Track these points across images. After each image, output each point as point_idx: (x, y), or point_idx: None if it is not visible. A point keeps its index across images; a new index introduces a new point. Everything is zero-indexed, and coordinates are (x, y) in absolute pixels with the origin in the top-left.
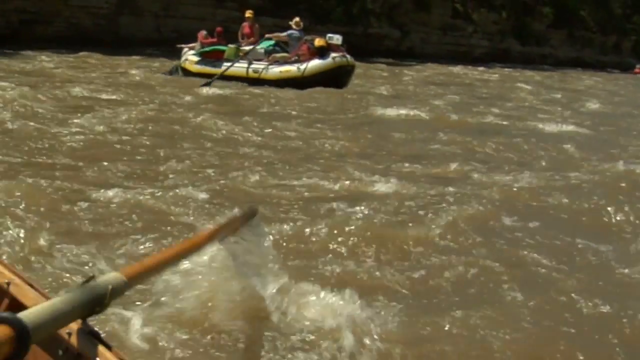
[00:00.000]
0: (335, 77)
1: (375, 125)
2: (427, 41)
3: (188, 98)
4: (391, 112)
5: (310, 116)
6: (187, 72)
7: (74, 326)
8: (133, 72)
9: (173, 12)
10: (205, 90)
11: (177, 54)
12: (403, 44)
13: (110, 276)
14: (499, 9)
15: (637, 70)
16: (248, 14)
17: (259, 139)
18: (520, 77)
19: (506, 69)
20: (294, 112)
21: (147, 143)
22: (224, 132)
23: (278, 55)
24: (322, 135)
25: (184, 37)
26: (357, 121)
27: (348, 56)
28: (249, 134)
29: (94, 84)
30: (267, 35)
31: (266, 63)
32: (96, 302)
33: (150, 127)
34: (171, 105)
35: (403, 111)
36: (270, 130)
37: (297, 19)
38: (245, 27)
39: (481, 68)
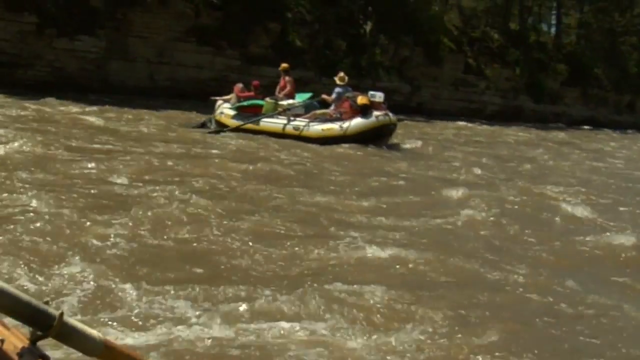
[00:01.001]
0: (378, 136)
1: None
2: (438, 97)
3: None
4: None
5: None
6: (222, 126)
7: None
8: (156, 125)
9: (168, 58)
10: (237, 141)
11: (176, 105)
12: (413, 99)
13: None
14: (512, 65)
15: None
16: (283, 66)
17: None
18: (550, 136)
19: (529, 128)
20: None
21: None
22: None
23: (319, 112)
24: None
25: (179, 86)
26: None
27: (390, 114)
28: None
29: (122, 139)
30: (323, 96)
31: (307, 120)
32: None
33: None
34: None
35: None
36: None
37: (341, 73)
38: (282, 81)
39: (496, 126)
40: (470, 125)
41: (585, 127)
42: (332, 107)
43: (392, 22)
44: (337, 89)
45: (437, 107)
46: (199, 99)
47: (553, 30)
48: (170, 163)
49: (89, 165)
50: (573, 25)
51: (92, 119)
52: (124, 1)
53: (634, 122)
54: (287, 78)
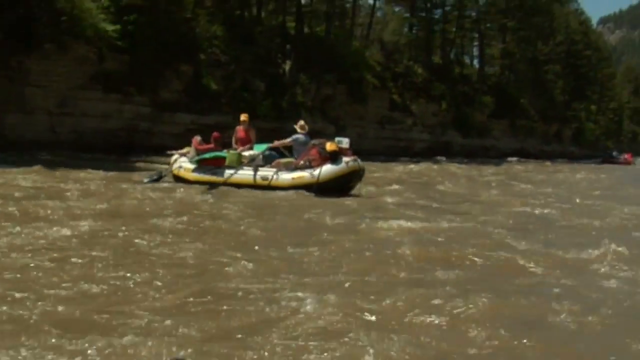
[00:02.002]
0: (349, 182)
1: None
2: (364, 136)
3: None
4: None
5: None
6: (180, 181)
7: None
8: (100, 181)
9: (71, 109)
10: (209, 196)
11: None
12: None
13: None
14: (438, 100)
15: (604, 158)
16: (243, 117)
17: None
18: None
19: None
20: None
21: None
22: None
23: (283, 160)
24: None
25: (84, 139)
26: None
27: (359, 160)
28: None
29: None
30: (276, 143)
31: (274, 169)
32: None
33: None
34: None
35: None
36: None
37: (302, 122)
38: (240, 131)
39: (424, 164)
40: (400, 164)
41: (513, 158)
42: (296, 157)
43: (312, 60)
44: (297, 136)
45: (364, 146)
46: (108, 151)
47: (476, 62)
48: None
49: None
50: (496, 55)
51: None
52: (18, 48)
53: (562, 151)
54: (249, 129)
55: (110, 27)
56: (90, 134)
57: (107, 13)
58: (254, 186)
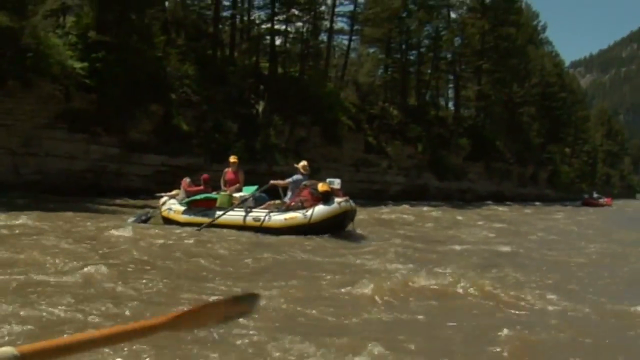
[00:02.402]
0: (341, 222)
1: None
2: (339, 178)
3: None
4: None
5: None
6: (170, 223)
7: None
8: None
9: (35, 148)
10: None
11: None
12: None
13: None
14: (414, 142)
15: (585, 201)
16: (232, 159)
17: None
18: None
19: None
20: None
21: None
22: None
23: (274, 202)
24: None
25: (49, 180)
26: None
27: (351, 201)
28: None
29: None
30: (272, 183)
31: (266, 210)
32: None
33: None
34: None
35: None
36: None
37: (304, 162)
38: (229, 173)
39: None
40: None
41: (489, 202)
42: (289, 196)
43: (286, 101)
44: (297, 176)
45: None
46: (74, 193)
47: (451, 104)
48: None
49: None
50: (472, 97)
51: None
52: None
53: (538, 194)
54: (238, 171)
55: (77, 65)
56: (56, 175)
57: (75, 50)
58: (245, 227)
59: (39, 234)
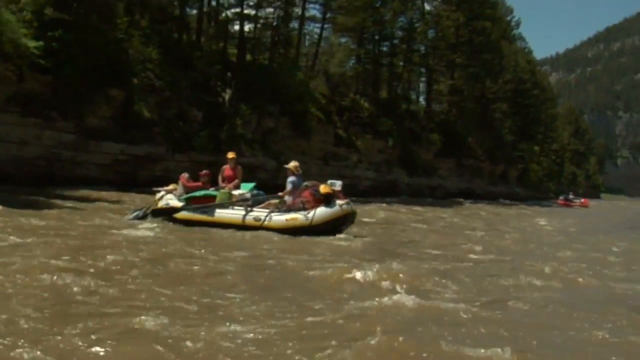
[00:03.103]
0: (342, 225)
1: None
2: (307, 172)
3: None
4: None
5: None
6: (167, 219)
7: None
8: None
9: None
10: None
11: None
12: (280, 176)
13: None
14: (384, 136)
15: (560, 201)
16: (230, 155)
17: None
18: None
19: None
20: None
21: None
22: None
23: (274, 201)
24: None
25: None
26: None
27: (352, 203)
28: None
29: None
30: (281, 195)
31: (266, 210)
32: None
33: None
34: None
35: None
36: None
37: (296, 163)
38: (227, 170)
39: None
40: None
41: (460, 199)
42: (290, 198)
43: (254, 89)
44: (292, 179)
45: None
46: (24, 182)
47: (422, 99)
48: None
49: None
50: (444, 92)
51: None
52: None
53: (508, 192)
54: (236, 167)
55: (32, 44)
56: (5, 162)
57: (30, 28)
58: (245, 227)
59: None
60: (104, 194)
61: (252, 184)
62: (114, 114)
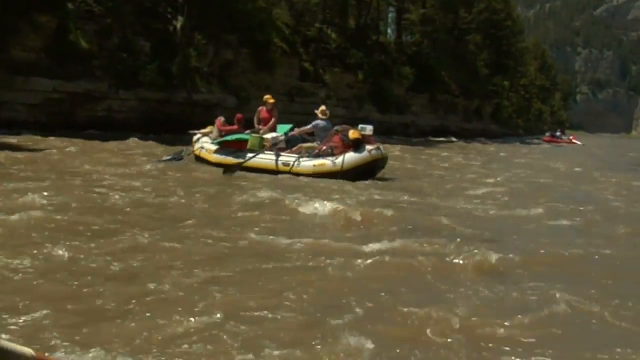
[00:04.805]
0: (371, 170)
1: None
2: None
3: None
4: None
5: None
6: (201, 161)
7: None
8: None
9: None
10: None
11: None
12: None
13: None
14: (354, 70)
15: (546, 138)
16: (266, 97)
17: None
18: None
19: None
20: None
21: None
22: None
23: (305, 145)
24: None
25: None
26: None
27: (382, 147)
28: None
29: None
30: (296, 131)
31: (295, 155)
32: None
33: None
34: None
35: None
36: None
37: (323, 107)
38: (263, 111)
39: None
40: None
41: (441, 138)
42: (319, 142)
43: (210, 17)
44: (319, 122)
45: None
46: None
47: (390, 30)
48: None
49: None
50: (416, 21)
51: None
52: None
53: (483, 129)
54: (272, 109)
55: None
56: None
57: None
58: (274, 171)
59: None
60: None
61: (288, 126)
62: (45, 45)
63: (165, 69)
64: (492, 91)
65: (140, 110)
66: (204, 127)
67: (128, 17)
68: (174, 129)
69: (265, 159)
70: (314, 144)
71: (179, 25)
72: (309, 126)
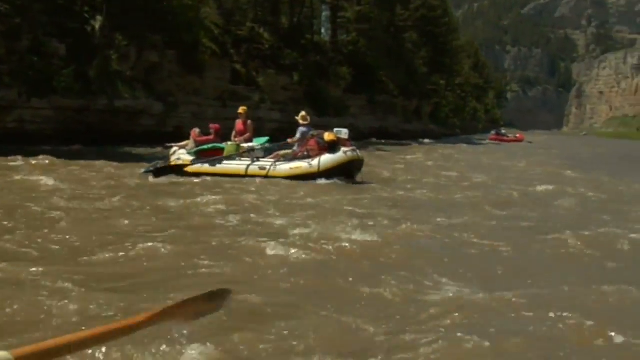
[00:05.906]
0: (348, 171)
1: None
2: (201, 116)
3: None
4: None
5: None
6: (180, 173)
7: None
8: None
9: None
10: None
11: None
12: (168, 122)
13: None
14: (288, 71)
15: (492, 136)
16: (241, 109)
17: None
18: None
19: None
20: None
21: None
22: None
23: (282, 152)
24: None
25: None
26: None
27: (357, 150)
28: None
29: None
30: (290, 141)
31: (272, 160)
32: None
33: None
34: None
35: None
36: None
37: (303, 113)
38: (238, 124)
39: None
40: None
41: (382, 140)
42: (296, 147)
43: (132, 15)
44: (301, 129)
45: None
46: None
47: (323, 29)
48: None
49: None
50: (351, 19)
51: None
52: None
53: (424, 129)
54: (246, 121)
55: None
56: None
57: None
58: (249, 176)
59: None
60: None
61: (265, 138)
62: None
63: (83, 73)
64: (430, 90)
65: (56, 120)
66: (179, 140)
67: (39, 17)
68: (95, 141)
69: (241, 165)
70: (291, 151)
71: (97, 25)
72: (297, 135)
